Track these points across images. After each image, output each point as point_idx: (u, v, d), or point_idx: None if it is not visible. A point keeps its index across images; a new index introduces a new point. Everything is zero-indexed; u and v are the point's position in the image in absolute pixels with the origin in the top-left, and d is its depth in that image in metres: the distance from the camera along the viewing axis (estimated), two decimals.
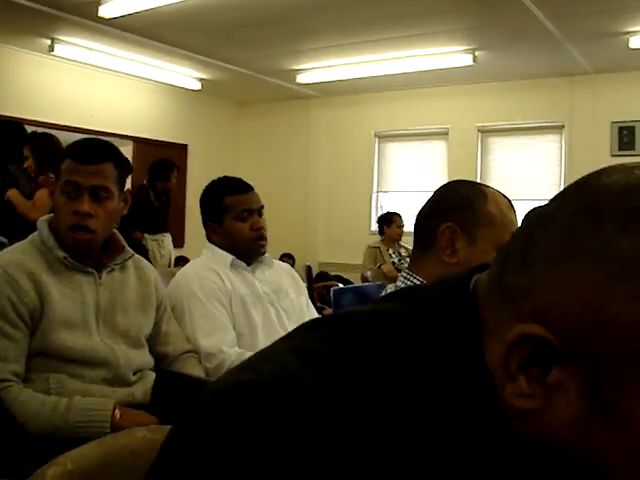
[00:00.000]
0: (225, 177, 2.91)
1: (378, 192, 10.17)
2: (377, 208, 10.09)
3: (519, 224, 1.75)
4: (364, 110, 9.98)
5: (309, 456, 0.58)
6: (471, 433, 0.63)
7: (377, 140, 10.09)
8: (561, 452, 0.61)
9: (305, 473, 0.58)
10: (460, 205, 1.72)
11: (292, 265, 8.88)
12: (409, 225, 7.65)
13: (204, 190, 2.92)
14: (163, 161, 7.57)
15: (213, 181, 2.93)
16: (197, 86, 9.40)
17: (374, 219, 9.85)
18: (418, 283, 1.70)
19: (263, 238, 2.87)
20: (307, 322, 0.78)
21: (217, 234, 2.84)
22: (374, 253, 7.70)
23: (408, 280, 1.74)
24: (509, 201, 1.78)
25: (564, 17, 6.44)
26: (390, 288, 1.75)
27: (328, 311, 7.41)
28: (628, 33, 6.91)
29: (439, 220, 1.71)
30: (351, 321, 0.72)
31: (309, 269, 6.25)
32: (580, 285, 0.58)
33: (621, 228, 0.57)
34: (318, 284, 8.13)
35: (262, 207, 2.88)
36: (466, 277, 0.73)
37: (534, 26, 6.69)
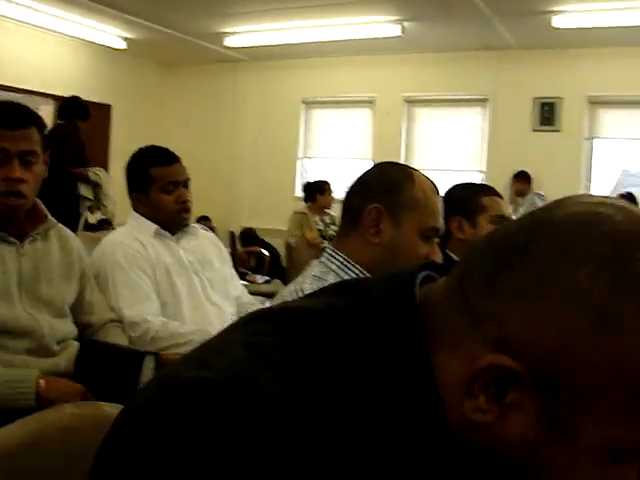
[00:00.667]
0: (152, 147, 2.88)
1: (303, 158, 10.18)
2: (302, 174, 10.11)
3: (442, 206, 1.81)
4: (292, 76, 9.95)
5: (258, 456, 0.61)
6: (414, 437, 0.66)
7: (304, 106, 10.09)
8: (506, 462, 0.66)
9: (256, 473, 0.60)
10: (388, 187, 1.75)
11: (212, 229, 8.88)
12: (336, 193, 7.72)
13: (130, 160, 2.89)
14: (80, 99, 7.16)
15: (139, 151, 2.89)
16: (122, 45, 9.21)
17: (299, 185, 9.88)
18: (341, 260, 1.74)
19: (187, 210, 2.87)
20: (259, 312, 0.80)
21: (142, 204, 2.82)
22: (300, 219, 7.70)
23: (332, 257, 1.77)
24: (434, 185, 1.82)
25: None
26: (315, 264, 1.78)
27: (251, 276, 7.44)
28: (552, 12, 7.07)
29: (366, 200, 1.75)
30: (301, 316, 0.74)
31: (232, 235, 6.22)
32: (550, 326, 0.62)
33: (593, 275, 0.61)
34: (242, 249, 8.12)
35: (188, 179, 2.87)
36: (412, 275, 0.75)
37: (462, 0, 6.76)
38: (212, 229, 8.44)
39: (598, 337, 0.60)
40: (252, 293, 5.80)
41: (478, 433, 0.66)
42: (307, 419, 0.64)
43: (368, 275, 1.70)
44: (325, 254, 1.80)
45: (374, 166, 1.89)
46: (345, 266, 1.74)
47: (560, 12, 7.07)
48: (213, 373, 0.66)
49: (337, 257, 1.76)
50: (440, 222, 1.78)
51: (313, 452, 0.63)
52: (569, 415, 0.62)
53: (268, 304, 5.26)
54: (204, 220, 9.27)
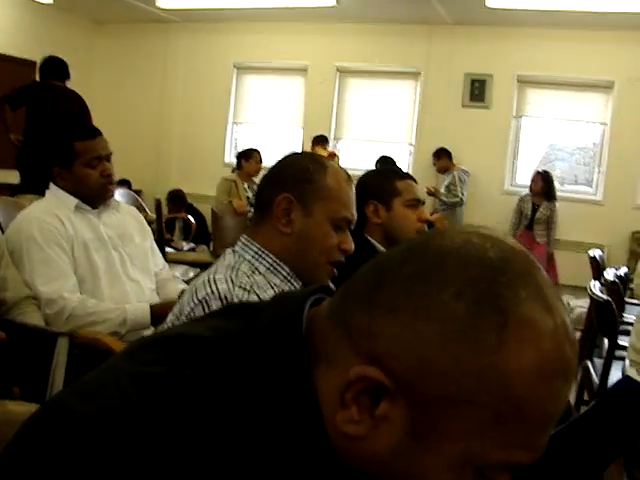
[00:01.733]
0: (73, 121, 2.81)
1: (234, 124, 10.08)
2: (232, 140, 10.03)
3: (355, 194, 1.82)
4: (225, 40, 9.80)
5: None
6: (296, 458, 0.69)
7: (236, 71, 9.97)
8: (380, 474, 0.70)
9: None
10: (300, 177, 1.76)
11: (136, 192, 8.73)
12: (266, 160, 7.65)
13: (50, 133, 2.82)
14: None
15: (60, 124, 2.82)
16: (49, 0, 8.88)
17: (228, 151, 9.79)
18: (255, 249, 1.75)
19: (112, 183, 2.83)
20: (151, 338, 0.82)
21: (64, 179, 2.76)
22: (229, 186, 7.63)
23: (246, 246, 1.77)
24: (348, 175, 1.83)
25: None
26: (228, 253, 1.78)
27: (177, 242, 7.38)
28: None
29: (277, 190, 1.75)
30: (189, 345, 0.76)
31: (158, 203, 6.13)
32: (416, 339, 0.66)
33: (458, 294, 0.65)
34: (169, 215, 8.03)
35: (111, 153, 2.82)
36: (302, 299, 0.78)
37: None
38: (136, 192, 8.34)
39: (458, 354, 0.64)
40: (177, 262, 5.81)
41: (352, 445, 0.69)
42: (184, 448, 0.66)
43: (282, 264, 1.74)
44: (239, 243, 1.80)
45: (286, 156, 1.89)
46: (259, 256, 1.75)
47: None
48: (92, 407, 0.68)
49: (251, 247, 1.77)
50: (352, 213, 1.79)
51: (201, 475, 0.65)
52: (434, 427, 0.66)
53: (192, 274, 5.23)
54: (124, 184, 9.13)
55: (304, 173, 1.76)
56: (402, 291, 0.68)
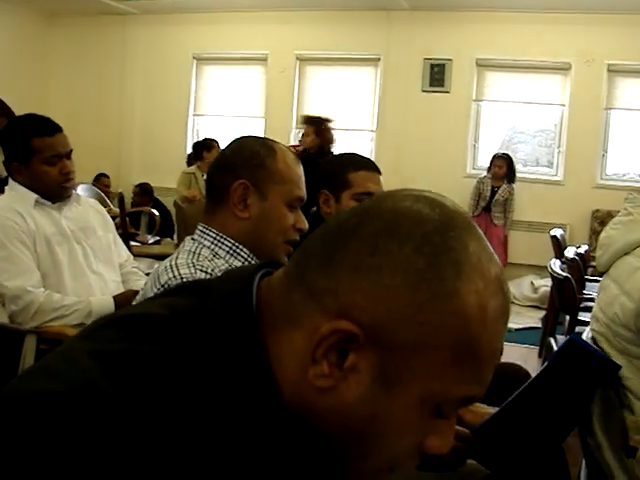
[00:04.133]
0: (32, 116, 2.79)
1: (195, 115, 10.04)
2: (193, 132, 9.98)
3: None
4: (183, 31, 9.74)
5: (97, 465, 0.65)
6: (250, 416, 0.73)
7: (195, 62, 9.91)
8: (345, 428, 0.75)
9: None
10: (252, 162, 1.80)
11: (107, 187, 8.67)
12: None
13: (8, 128, 2.79)
14: None
15: (19, 119, 2.80)
16: None
17: (190, 143, 9.75)
18: (213, 235, 1.79)
19: (70, 181, 2.81)
20: (109, 318, 0.84)
21: (22, 174, 2.74)
22: (188, 179, 7.64)
23: (204, 233, 1.81)
24: (295, 156, 1.90)
25: None
26: (188, 240, 1.81)
27: (142, 237, 7.34)
28: None
29: (231, 176, 1.79)
30: (146, 322, 0.79)
31: (121, 197, 6.11)
32: (383, 292, 0.72)
33: (417, 248, 0.72)
34: (132, 209, 7.99)
35: (71, 150, 2.80)
36: (252, 273, 0.83)
37: None
38: (107, 187, 8.26)
39: (422, 301, 0.71)
40: (142, 255, 5.79)
41: (322, 397, 0.74)
42: (151, 422, 0.68)
43: (241, 247, 1.79)
44: (197, 231, 1.84)
45: (234, 141, 1.92)
46: (218, 240, 1.79)
47: None
48: (59, 385, 0.69)
49: (209, 233, 1.81)
50: (303, 191, 1.86)
51: (155, 454, 0.68)
52: (400, 372, 0.72)
53: (157, 265, 5.23)
54: (103, 177, 9.07)
55: (256, 158, 1.81)
56: (365, 249, 0.73)
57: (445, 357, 0.72)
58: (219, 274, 1.64)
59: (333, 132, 6.47)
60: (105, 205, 6.90)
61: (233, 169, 1.80)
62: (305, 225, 1.85)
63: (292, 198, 1.81)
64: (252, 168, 1.79)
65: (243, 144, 1.89)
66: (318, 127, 6.32)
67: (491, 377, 0.77)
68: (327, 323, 0.72)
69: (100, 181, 8.89)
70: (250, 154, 1.82)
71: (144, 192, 8.62)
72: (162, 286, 1.64)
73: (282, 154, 1.84)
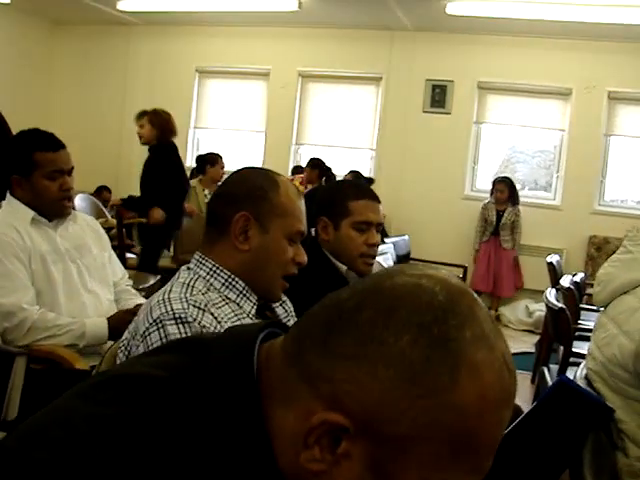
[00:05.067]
0: (37, 130, 2.79)
1: (195, 128, 10.04)
2: (194, 145, 9.98)
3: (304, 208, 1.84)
4: (186, 43, 9.75)
5: None
6: None
7: (198, 75, 9.92)
8: None
9: None
10: (254, 194, 1.78)
11: (106, 201, 8.64)
12: (228, 166, 7.64)
13: (12, 141, 2.80)
14: None
15: (23, 133, 2.81)
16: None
17: (190, 155, 9.74)
18: (210, 266, 1.77)
19: (70, 199, 2.82)
20: (105, 376, 0.83)
21: (22, 188, 2.74)
22: (189, 193, 7.62)
23: (200, 263, 1.78)
24: (298, 190, 1.88)
25: None
26: (183, 271, 1.79)
27: (137, 248, 7.32)
28: None
29: (233, 208, 1.77)
30: (138, 384, 0.78)
31: (119, 209, 6.10)
32: (376, 384, 0.70)
33: (413, 341, 0.70)
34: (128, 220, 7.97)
35: (72, 168, 2.80)
36: (253, 336, 0.81)
37: None
38: (107, 201, 8.22)
39: (416, 395, 0.69)
40: (137, 268, 5.77)
41: (314, 479, 0.73)
42: None
43: (237, 279, 1.76)
44: (193, 260, 1.81)
45: (237, 172, 1.90)
46: (214, 272, 1.76)
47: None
48: (46, 454, 0.69)
49: (206, 263, 1.78)
50: (304, 225, 1.84)
51: None
52: (393, 462, 0.71)
53: (152, 281, 5.18)
54: (105, 191, 9.05)
55: (259, 191, 1.78)
56: (360, 338, 0.72)
57: (441, 450, 0.71)
58: (212, 309, 1.64)
59: (170, 121, 6.03)
60: (102, 216, 6.91)
61: (235, 200, 1.78)
62: (304, 259, 1.82)
63: (293, 232, 1.79)
64: (255, 200, 1.77)
65: (246, 176, 1.87)
66: (151, 116, 5.96)
67: (491, 464, 0.75)
68: (319, 412, 0.71)
69: (102, 195, 8.87)
70: (253, 186, 1.80)
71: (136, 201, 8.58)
72: (154, 320, 1.61)
73: (285, 187, 1.82)
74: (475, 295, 0.77)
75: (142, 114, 5.98)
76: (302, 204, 1.85)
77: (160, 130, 5.87)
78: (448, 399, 0.70)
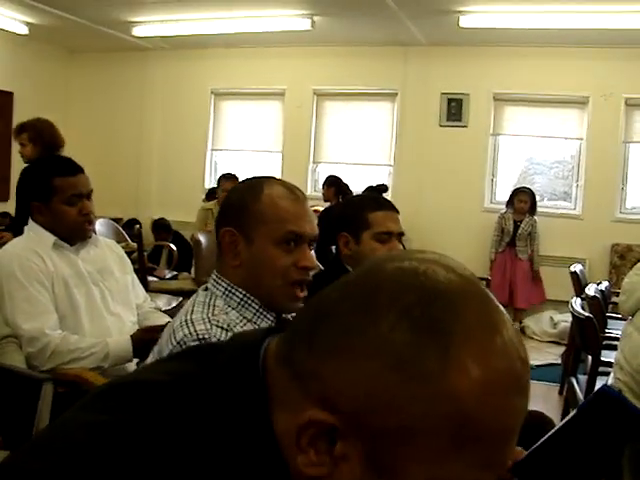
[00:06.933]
0: (55, 156, 2.81)
1: (213, 150, 10.08)
2: (212, 166, 10.02)
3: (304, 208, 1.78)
4: (201, 66, 9.81)
5: None
6: None
7: (213, 97, 9.97)
8: None
9: None
10: (236, 208, 1.77)
11: (116, 221, 8.70)
12: None
13: (30, 168, 2.81)
14: None
15: (41, 159, 2.83)
16: (24, 30, 8.85)
17: (207, 177, 9.78)
18: (225, 285, 1.75)
19: (91, 222, 2.83)
20: (104, 387, 0.81)
21: (42, 214, 2.74)
22: (205, 216, 7.63)
23: (217, 283, 1.78)
24: (293, 189, 1.80)
25: None
26: (201, 292, 1.78)
27: (160, 271, 7.35)
28: (459, 12, 7.23)
29: (221, 225, 1.77)
30: (143, 390, 0.76)
31: (139, 232, 6.13)
32: (361, 377, 0.66)
33: (393, 326, 0.66)
34: (155, 243, 8.02)
35: (91, 191, 2.80)
36: (259, 341, 0.79)
37: None
38: (116, 221, 8.26)
39: (404, 385, 0.65)
40: (159, 291, 5.79)
41: None
42: None
43: (252, 298, 1.73)
44: (211, 280, 1.81)
45: (230, 190, 1.91)
46: (229, 291, 1.75)
47: (467, 12, 7.25)
48: (41, 464, 0.68)
49: (221, 283, 1.77)
50: (299, 224, 1.74)
51: None
52: (393, 458, 0.66)
53: (174, 303, 5.19)
54: (115, 220, 9.11)
55: (240, 203, 1.77)
56: (340, 330, 0.69)
57: (442, 442, 0.65)
58: (234, 328, 1.63)
59: (53, 133, 5.18)
60: (123, 240, 6.94)
61: (222, 218, 1.79)
62: (310, 262, 1.74)
63: (280, 235, 1.71)
64: (236, 213, 1.76)
65: (235, 189, 1.88)
66: (30, 133, 5.10)
67: (510, 456, 0.70)
68: (307, 411, 0.68)
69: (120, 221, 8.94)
70: (236, 199, 1.79)
71: (160, 227, 8.64)
72: (178, 343, 1.60)
73: (268, 192, 1.75)
74: (471, 274, 0.72)
75: (20, 129, 5.23)
76: (295, 203, 1.77)
77: (42, 146, 5.02)
78: (440, 386, 0.65)
